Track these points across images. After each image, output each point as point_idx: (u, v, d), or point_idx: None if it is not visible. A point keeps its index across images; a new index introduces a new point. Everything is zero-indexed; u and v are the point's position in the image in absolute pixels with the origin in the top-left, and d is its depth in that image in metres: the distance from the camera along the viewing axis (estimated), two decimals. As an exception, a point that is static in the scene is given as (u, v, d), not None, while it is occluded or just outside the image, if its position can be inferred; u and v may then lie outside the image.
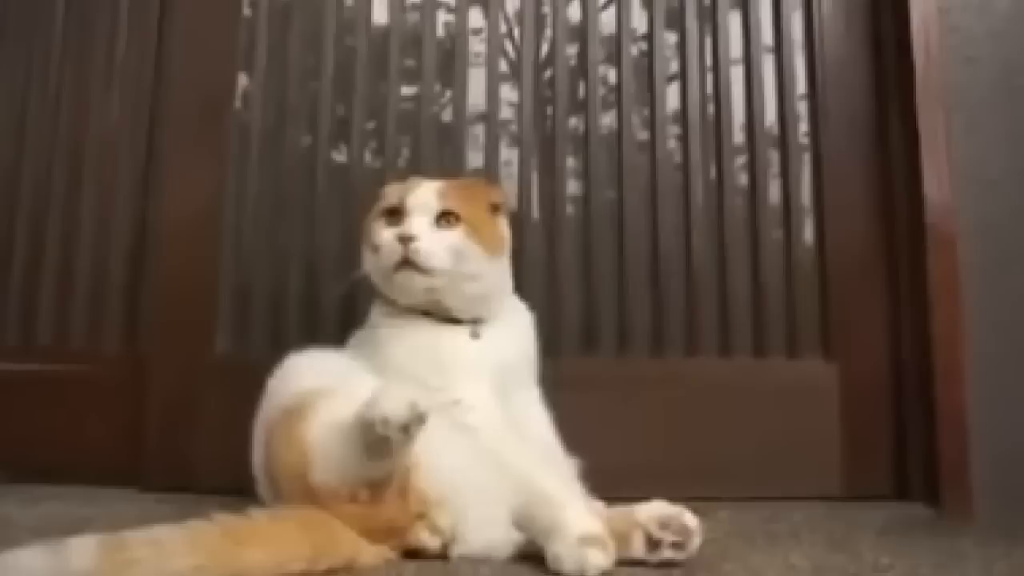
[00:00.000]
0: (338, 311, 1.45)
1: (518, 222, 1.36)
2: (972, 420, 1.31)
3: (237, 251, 1.51)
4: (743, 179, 1.52)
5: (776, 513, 1.25)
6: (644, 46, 1.57)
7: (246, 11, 1.57)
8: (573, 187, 1.53)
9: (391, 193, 1.12)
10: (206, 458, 1.39)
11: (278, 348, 1.09)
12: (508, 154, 1.54)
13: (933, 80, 1.40)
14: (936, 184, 1.39)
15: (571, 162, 1.53)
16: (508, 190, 1.49)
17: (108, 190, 1.56)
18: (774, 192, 1.51)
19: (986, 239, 1.38)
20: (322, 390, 0.97)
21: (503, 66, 1.57)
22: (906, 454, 1.39)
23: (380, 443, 0.85)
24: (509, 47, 1.59)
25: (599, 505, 0.98)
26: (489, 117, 1.54)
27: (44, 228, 1.56)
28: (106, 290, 1.54)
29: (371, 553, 0.88)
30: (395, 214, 1.08)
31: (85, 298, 1.54)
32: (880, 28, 1.49)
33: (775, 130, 1.53)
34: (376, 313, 1.13)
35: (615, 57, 1.56)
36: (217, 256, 1.48)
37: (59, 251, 1.55)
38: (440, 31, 1.58)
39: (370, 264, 1.10)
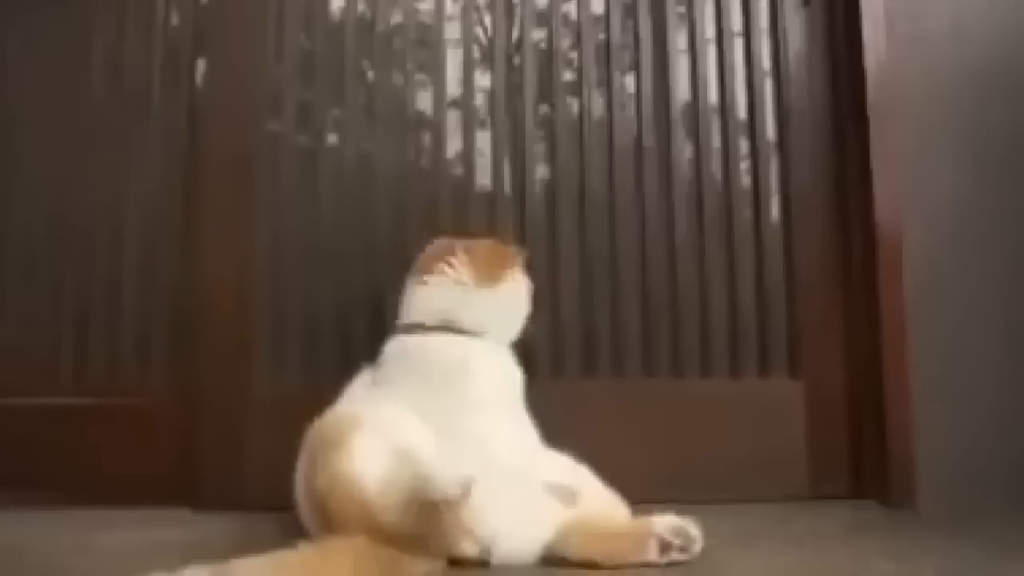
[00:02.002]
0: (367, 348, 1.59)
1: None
2: (917, 430, 1.46)
3: (273, 293, 1.61)
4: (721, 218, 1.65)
5: (749, 513, 1.40)
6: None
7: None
8: (569, 225, 1.65)
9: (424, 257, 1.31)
10: (253, 481, 1.51)
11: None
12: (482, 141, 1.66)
13: (888, 119, 1.53)
14: (888, 208, 1.52)
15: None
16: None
17: (149, 242, 1.66)
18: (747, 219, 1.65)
19: (932, 266, 1.52)
20: (355, 417, 1.10)
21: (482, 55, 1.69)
22: (862, 459, 1.53)
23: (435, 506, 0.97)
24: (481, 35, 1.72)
25: (625, 511, 1.14)
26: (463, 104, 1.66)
27: (91, 278, 1.66)
28: (153, 334, 1.64)
29: (424, 566, 0.99)
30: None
31: (132, 340, 1.64)
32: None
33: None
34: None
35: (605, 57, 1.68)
36: (255, 298, 1.59)
37: (105, 299, 1.65)
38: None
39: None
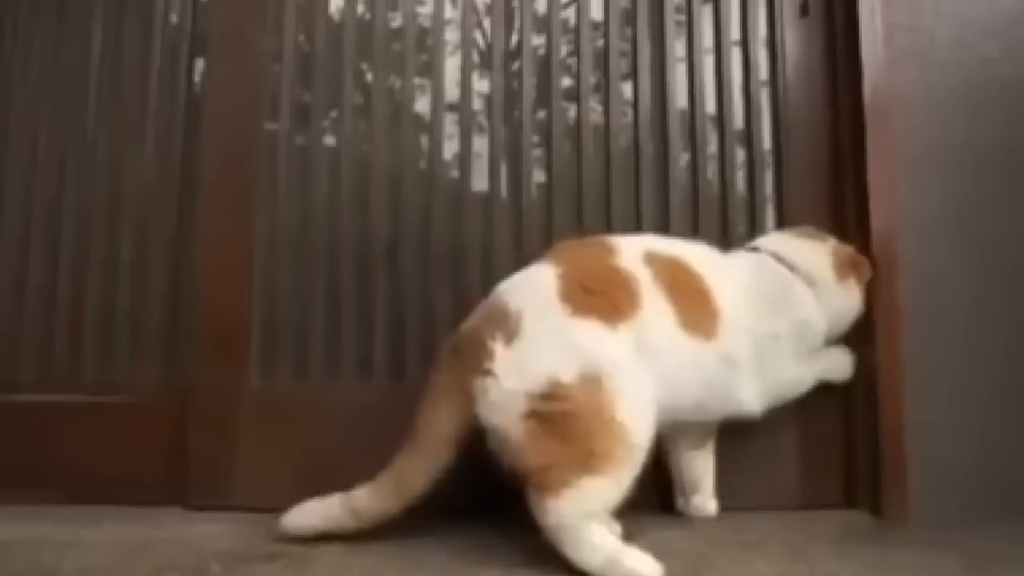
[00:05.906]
0: (359, 349, 1.61)
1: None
2: (911, 441, 1.46)
3: (268, 292, 1.62)
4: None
5: (741, 521, 1.41)
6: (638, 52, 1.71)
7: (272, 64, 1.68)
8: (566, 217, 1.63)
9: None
10: (244, 481, 1.51)
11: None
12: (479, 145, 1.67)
13: (885, 131, 1.53)
14: (884, 220, 1.51)
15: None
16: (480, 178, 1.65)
17: (145, 242, 1.67)
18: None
19: (928, 279, 1.51)
20: None
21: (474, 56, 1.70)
22: (854, 469, 1.51)
23: None
24: (479, 39, 1.73)
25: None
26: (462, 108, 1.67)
27: (86, 276, 1.67)
28: (146, 331, 1.65)
29: None
30: None
31: (126, 338, 1.65)
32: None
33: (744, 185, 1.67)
34: None
35: (601, 57, 1.69)
36: (250, 297, 1.60)
37: (101, 295, 1.67)
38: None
39: None
